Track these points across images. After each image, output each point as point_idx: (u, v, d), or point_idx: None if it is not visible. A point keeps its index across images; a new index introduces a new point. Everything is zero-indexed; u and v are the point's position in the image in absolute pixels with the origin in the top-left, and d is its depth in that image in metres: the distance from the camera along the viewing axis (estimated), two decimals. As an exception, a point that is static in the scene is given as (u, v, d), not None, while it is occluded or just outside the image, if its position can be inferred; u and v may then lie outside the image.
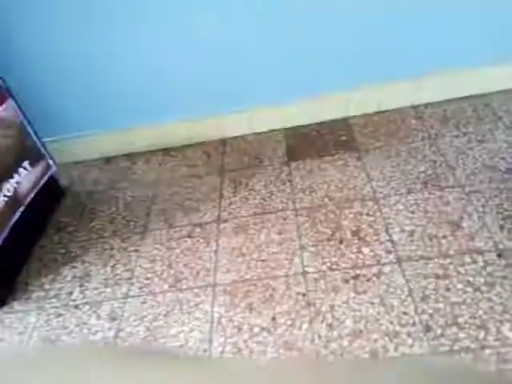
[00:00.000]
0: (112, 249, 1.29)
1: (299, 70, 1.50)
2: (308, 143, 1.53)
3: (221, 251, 1.20)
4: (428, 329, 0.91)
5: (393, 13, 1.39)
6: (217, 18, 1.39)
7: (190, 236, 1.27)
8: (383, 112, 1.57)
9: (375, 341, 0.91)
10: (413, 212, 1.18)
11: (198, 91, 1.54)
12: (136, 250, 1.27)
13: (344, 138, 1.52)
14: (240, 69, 1.50)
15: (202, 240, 1.24)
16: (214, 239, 1.24)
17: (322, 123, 1.60)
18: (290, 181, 1.39)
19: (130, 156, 1.66)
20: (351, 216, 1.21)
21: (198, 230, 1.28)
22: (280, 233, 1.21)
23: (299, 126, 1.61)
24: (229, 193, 1.40)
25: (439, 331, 0.90)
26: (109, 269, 1.23)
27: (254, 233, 1.23)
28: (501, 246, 1.04)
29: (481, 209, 1.14)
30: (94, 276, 1.22)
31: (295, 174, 1.41)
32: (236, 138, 1.63)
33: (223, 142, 1.63)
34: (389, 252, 1.09)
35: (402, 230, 1.14)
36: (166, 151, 1.66)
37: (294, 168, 1.43)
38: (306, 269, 1.09)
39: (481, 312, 0.92)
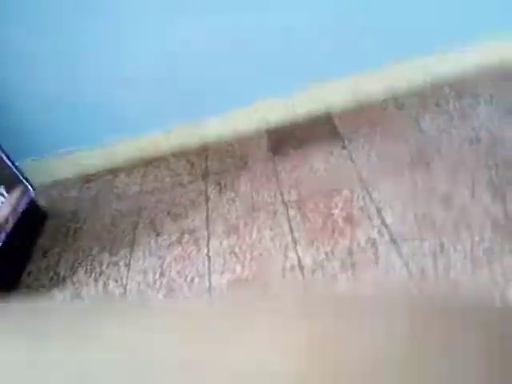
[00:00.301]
0: (101, 265, 1.25)
1: (273, 66, 1.49)
2: (290, 137, 1.51)
3: (213, 254, 1.16)
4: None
5: (361, 2, 1.40)
6: (189, 26, 1.37)
7: (180, 243, 1.23)
8: (364, 101, 1.57)
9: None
10: (403, 193, 1.17)
11: (173, 99, 1.52)
12: (126, 264, 1.23)
13: (326, 129, 1.51)
14: (215, 71, 1.49)
15: (192, 245, 1.21)
16: (205, 243, 1.20)
17: (302, 116, 1.59)
18: (275, 176, 1.37)
19: (111, 170, 1.62)
20: (341, 204, 1.19)
21: (187, 235, 1.25)
22: (271, 228, 1.18)
23: (280, 122, 1.60)
24: (215, 196, 1.37)
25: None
26: (100, 287, 1.19)
27: (244, 232, 1.20)
28: (495, 217, 1.03)
29: (470, 183, 1.14)
30: (85, 296, 1.17)
31: (280, 169, 1.39)
32: (218, 141, 1.61)
33: (205, 147, 1.61)
34: (383, 234, 1.07)
35: (394, 212, 1.12)
36: (147, 163, 1.62)
37: (278, 163, 1.42)
38: (302, 261, 1.07)
39: (482, 282, 0.91)
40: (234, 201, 1.33)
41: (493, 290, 0.89)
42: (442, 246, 1.00)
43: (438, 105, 1.44)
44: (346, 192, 1.22)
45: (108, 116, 1.54)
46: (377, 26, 1.44)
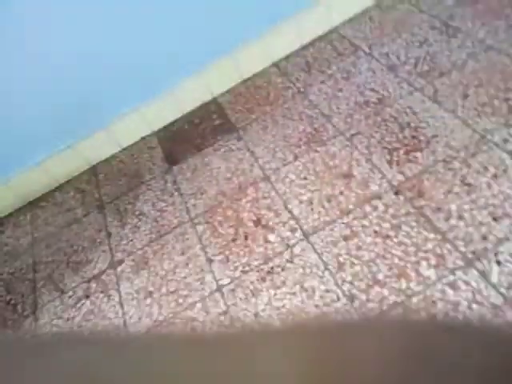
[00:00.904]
0: (4, 346, 1.08)
1: (145, 68, 1.32)
2: (184, 140, 1.39)
3: (125, 299, 1.05)
4: (353, 298, 0.87)
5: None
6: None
7: (87, 296, 1.10)
8: (248, 80, 1.47)
9: (308, 332, 0.86)
10: (305, 178, 1.12)
11: (47, 124, 1.30)
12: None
13: (218, 121, 1.40)
14: (87, 83, 1.28)
15: (101, 295, 1.08)
16: (115, 288, 1.08)
17: (191, 113, 1.46)
18: (177, 189, 1.25)
19: (-8, 226, 1.40)
20: (248, 205, 1.12)
21: (94, 285, 1.11)
22: (183, 252, 1.09)
23: (169, 125, 1.45)
24: (116, 227, 1.23)
25: (364, 297, 0.87)
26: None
27: (155, 264, 1.09)
28: (395, 183, 1.03)
29: (365, 150, 1.12)
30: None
31: (180, 179, 1.27)
32: (107, 160, 1.44)
33: (94, 170, 1.43)
34: (294, 230, 1.02)
35: (301, 202, 1.07)
36: (33, 204, 1.42)
37: (177, 173, 1.30)
38: (220, 282, 0.99)
39: (396, 260, 0.90)
40: (137, 228, 1.20)
41: (406, 265, 0.89)
42: (350, 227, 0.98)
43: (320, 69, 1.38)
44: (250, 190, 1.15)
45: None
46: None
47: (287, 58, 1.47)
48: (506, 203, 0.91)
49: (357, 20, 1.48)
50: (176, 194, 1.24)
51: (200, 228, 1.12)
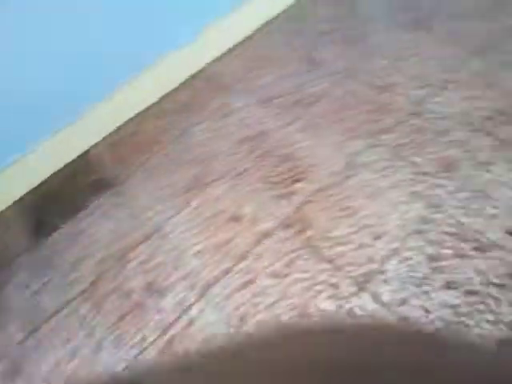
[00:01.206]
0: None
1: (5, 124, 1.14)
2: (55, 204, 1.23)
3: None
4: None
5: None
6: None
7: None
8: (123, 127, 1.37)
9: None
10: (196, 226, 1.06)
11: None
12: None
13: (94, 176, 1.27)
14: None
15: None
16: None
17: (61, 170, 1.30)
18: (50, 266, 1.09)
19: None
20: (138, 269, 1.02)
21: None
22: (65, 343, 0.93)
23: (38, 187, 1.28)
24: (-21, 326, 1.01)
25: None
26: None
27: (31, 366, 0.92)
28: (283, 218, 1.03)
29: (251, 188, 1.11)
30: None
31: (54, 252, 1.11)
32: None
33: None
34: (190, 288, 0.95)
35: (194, 254, 1.01)
36: None
37: (50, 245, 1.13)
38: (115, 370, 0.87)
39: (296, 299, 0.89)
40: (3, 327, 1.01)
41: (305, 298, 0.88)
42: (247, 272, 0.95)
43: (198, 110, 1.36)
44: (138, 251, 1.05)
45: None
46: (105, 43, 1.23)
47: (161, 100, 1.42)
48: (382, 220, 0.97)
49: (227, 57, 1.50)
50: (50, 271, 1.08)
51: (83, 309, 0.98)
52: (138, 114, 1.40)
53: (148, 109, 1.41)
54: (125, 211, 1.15)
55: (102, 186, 1.23)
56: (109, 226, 1.13)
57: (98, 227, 1.13)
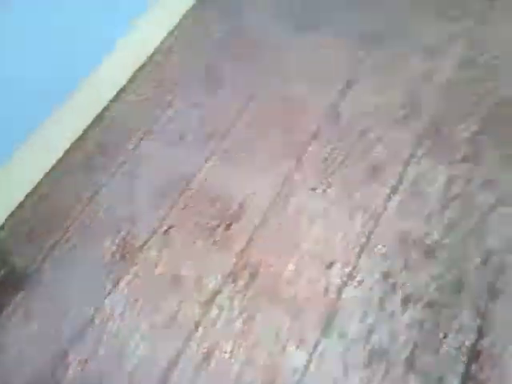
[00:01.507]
0: None
1: None
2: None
3: None
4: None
5: None
6: None
7: None
8: (24, 202, 1.18)
9: None
10: (134, 302, 0.94)
11: None
12: None
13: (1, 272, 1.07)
14: None
15: None
16: None
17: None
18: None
19: None
20: (70, 377, 0.87)
21: None
22: None
23: None
24: None
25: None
26: None
27: None
28: (228, 269, 0.94)
29: (185, 241, 1.00)
30: None
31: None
32: None
33: None
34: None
35: (142, 337, 0.89)
36: None
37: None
38: None
39: (262, 361, 0.81)
40: None
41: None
42: (203, 343, 0.85)
43: (104, 165, 1.21)
44: (70, 358, 0.90)
45: None
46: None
47: (59, 163, 1.24)
48: (328, 247, 0.92)
49: (123, 97, 1.35)
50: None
51: None
52: (38, 183, 1.21)
53: (46, 175, 1.22)
54: (45, 309, 0.98)
55: (13, 282, 1.04)
56: (29, 331, 0.95)
57: (13, 338, 0.95)
